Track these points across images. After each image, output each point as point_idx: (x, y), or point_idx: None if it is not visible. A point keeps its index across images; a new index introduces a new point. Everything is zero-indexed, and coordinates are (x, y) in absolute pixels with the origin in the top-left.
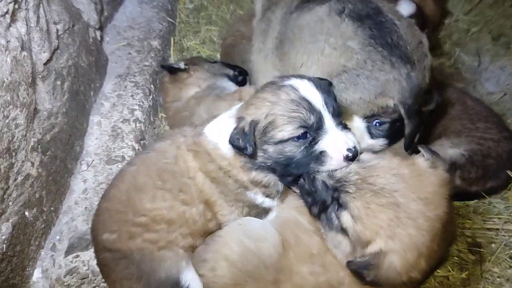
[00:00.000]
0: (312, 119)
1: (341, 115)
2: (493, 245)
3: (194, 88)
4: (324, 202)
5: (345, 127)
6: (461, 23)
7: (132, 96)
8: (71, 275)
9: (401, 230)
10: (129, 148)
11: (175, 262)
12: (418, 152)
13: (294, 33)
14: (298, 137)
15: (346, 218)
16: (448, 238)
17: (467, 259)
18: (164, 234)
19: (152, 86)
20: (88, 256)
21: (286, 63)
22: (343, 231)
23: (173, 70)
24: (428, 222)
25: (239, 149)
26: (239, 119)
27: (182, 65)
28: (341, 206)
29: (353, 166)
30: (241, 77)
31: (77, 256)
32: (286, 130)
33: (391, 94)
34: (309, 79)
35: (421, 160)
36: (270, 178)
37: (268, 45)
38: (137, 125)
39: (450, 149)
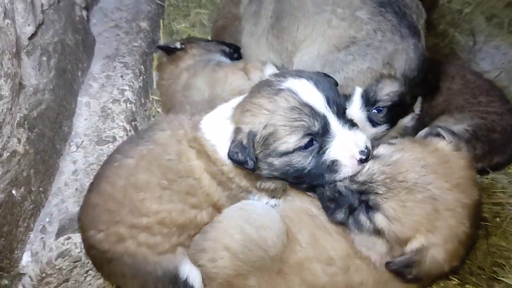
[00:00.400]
0: (316, 125)
1: (345, 111)
2: (498, 219)
3: (189, 63)
4: (350, 206)
5: (352, 124)
6: (454, 4)
7: (121, 76)
8: (63, 258)
9: (441, 223)
10: (120, 128)
11: (172, 260)
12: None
13: (294, 6)
14: (305, 146)
15: (380, 219)
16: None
17: None
18: (170, 237)
19: (142, 67)
20: (80, 238)
21: (285, 40)
22: (377, 232)
23: (170, 50)
24: (466, 209)
25: (239, 164)
26: (237, 130)
27: (178, 44)
28: (371, 208)
29: (375, 165)
30: (236, 54)
31: (69, 238)
32: (290, 141)
33: (398, 64)
34: (308, 77)
35: (443, 144)
36: (277, 183)
37: (261, 26)
38: (128, 105)
39: (454, 125)
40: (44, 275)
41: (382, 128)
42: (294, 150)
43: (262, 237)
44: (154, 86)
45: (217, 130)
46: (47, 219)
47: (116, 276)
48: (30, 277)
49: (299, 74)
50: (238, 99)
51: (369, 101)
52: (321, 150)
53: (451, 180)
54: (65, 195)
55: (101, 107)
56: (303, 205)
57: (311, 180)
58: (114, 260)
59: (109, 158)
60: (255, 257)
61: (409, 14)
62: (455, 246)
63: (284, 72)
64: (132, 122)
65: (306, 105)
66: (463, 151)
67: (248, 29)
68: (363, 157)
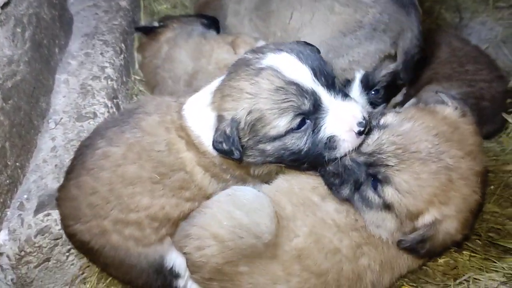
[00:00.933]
0: (307, 103)
1: (335, 81)
2: (492, 187)
3: (170, 36)
4: (357, 180)
5: (344, 94)
6: None
7: (101, 54)
8: (43, 235)
9: (455, 193)
10: (101, 105)
11: (158, 250)
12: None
13: None
14: (298, 127)
15: (391, 193)
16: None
17: None
18: (160, 230)
19: (123, 45)
20: None
21: (272, 24)
22: (387, 207)
23: (148, 30)
24: (478, 177)
25: (225, 154)
26: (219, 118)
27: (156, 23)
28: (381, 181)
29: (384, 135)
30: (214, 26)
31: (48, 215)
32: (280, 124)
33: (403, 42)
34: (289, 50)
35: (450, 110)
36: (272, 167)
37: (244, 4)
38: (109, 82)
39: None
40: (23, 253)
41: (380, 108)
42: (286, 133)
43: (254, 222)
44: (136, 67)
45: (200, 118)
46: (25, 196)
47: (99, 264)
48: (8, 256)
49: (278, 47)
50: (217, 82)
51: (368, 85)
52: (316, 128)
53: (464, 147)
54: (44, 171)
55: (81, 84)
56: (302, 192)
57: (310, 161)
58: (96, 251)
59: (89, 141)
60: (246, 244)
61: None
62: (467, 215)
63: (261, 47)
64: (114, 100)
65: (292, 83)
66: (469, 116)
67: (232, 7)
68: (361, 129)
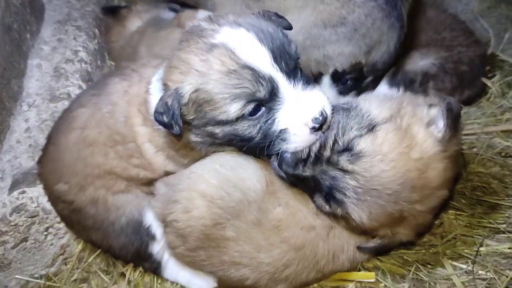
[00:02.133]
0: (262, 91)
1: (298, 67)
2: (474, 149)
3: (136, 22)
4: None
5: (306, 82)
6: None
7: (74, 38)
8: (18, 213)
9: (406, 223)
10: (75, 86)
11: (136, 205)
12: None
13: None
14: (251, 113)
15: (342, 213)
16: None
17: None
18: (122, 181)
19: (96, 30)
20: (37, 193)
21: (266, 5)
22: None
23: (114, 10)
24: (432, 213)
25: (165, 127)
26: (164, 86)
27: (123, 3)
28: (336, 201)
29: (352, 174)
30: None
31: (23, 192)
32: (231, 110)
33: (375, 54)
34: (249, 26)
35: (429, 143)
36: (227, 148)
37: None
38: (83, 65)
39: (420, 60)
40: None
41: (351, 95)
42: (237, 119)
43: (239, 177)
44: None
45: (155, 91)
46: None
47: (82, 231)
48: None
49: (237, 21)
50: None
51: (337, 78)
52: (269, 118)
53: (424, 192)
54: (18, 151)
55: (54, 68)
56: None
57: (262, 149)
58: (80, 211)
59: (69, 105)
60: (234, 201)
61: (399, 5)
62: (422, 227)
63: (219, 17)
64: (89, 82)
65: (247, 67)
66: (448, 145)
67: None
68: (316, 126)
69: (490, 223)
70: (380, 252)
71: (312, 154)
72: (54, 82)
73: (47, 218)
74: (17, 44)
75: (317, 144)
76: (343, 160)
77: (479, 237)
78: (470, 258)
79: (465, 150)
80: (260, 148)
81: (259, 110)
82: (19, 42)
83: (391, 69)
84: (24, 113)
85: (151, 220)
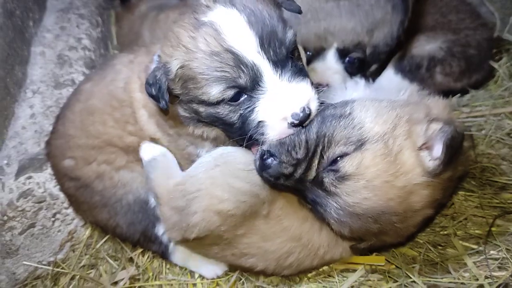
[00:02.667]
0: (243, 77)
1: (289, 56)
2: (483, 131)
3: (143, 9)
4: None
5: (297, 73)
6: None
7: (77, 26)
8: (25, 198)
9: (387, 237)
10: (79, 73)
11: (141, 182)
12: None
13: None
14: (232, 99)
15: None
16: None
17: None
18: (121, 156)
19: (99, 18)
20: (43, 178)
21: None
22: None
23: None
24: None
25: (153, 99)
26: (159, 57)
27: None
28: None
29: (336, 197)
30: None
31: (30, 178)
32: (211, 93)
33: (378, 34)
34: (242, 8)
35: (418, 172)
36: (218, 130)
37: None
38: (86, 53)
39: (427, 44)
40: (6, 218)
41: (358, 76)
42: (218, 103)
43: (253, 183)
44: (115, 42)
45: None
46: (5, 161)
47: (90, 210)
48: None
49: (232, 1)
50: None
51: (343, 54)
52: (249, 107)
53: (405, 215)
54: (23, 137)
55: (57, 55)
56: None
57: (242, 136)
58: (87, 188)
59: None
60: (248, 205)
61: None
62: (408, 235)
63: None
64: (92, 69)
65: (230, 51)
66: (436, 179)
67: None
68: (295, 121)
69: (501, 203)
70: (372, 250)
71: (297, 175)
72: (58, 69)
73: (54, 204)
74: (19, 31)
75: (303, 167)
76: (327, 182)
77: (490, 217)
78: (481, 238)
79: (474, 132)
80: (240, 136)
81: (241, 97)
82: (21, 28)
83: (396, 54)
84: (29, 100)
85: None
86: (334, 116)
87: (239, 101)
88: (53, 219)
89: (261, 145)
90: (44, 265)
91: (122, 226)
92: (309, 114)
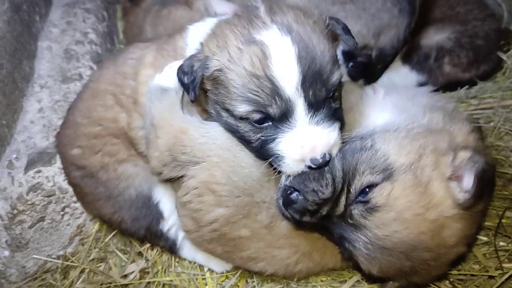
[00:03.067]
0: (274, 108)
1: (328, 98)
2: (492, 123)
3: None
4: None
5: (328, 117)
6: None
7: (83, 21)
8: (35, 191)
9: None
10: (86, 67)
11: (144, 177)
12: None
13: None
14: (256, 121)
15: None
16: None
17: None
18: (123, 148)
19: (105, 12)
20: (53, 172)
21: None
22: None
23: None
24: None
25: (182, 86)
26: (201, 45)
27: None
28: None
29: (366, 230)
30: None
31: (39, 172)
32: (238, 108)
33: (384, 37)
34: (296, 38)
35: (449, 203)
36: None
37: None
38: (93, 47)
39: (435, 35)
40: (15, 211)
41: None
42: (242, 119)
43: (248, 184)
44: (121, 36)
45: (194, 37)
46: (14, 155)
47: (94, 202)
48: (0, 216)
49: (290, 27)
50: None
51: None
52: (272, 135)
53: (438, 251)
54: (32, 131)
55: (64, 50)
56: None
57: (256, 153)
58: (92, 177)
59: None
60: (243, 202)
61: None
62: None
63: (281, 9)
64: (99, 63)
65: (270, 80)
66: (468, 212)
67: None
68: (313, 166)
69: (511, 195)
70: None
71: (323, 212)
72: (65, 64)
73: (64, 197)
74: (26, 25)
75: (329, 204)
76: (356, 214)
77: (500, 209)
78: (491, 230)
79: (483, 124)
80: (255, 152)
81: (265, 122)
82: (28, 23)
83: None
84: (37, 94)
85: (159, 196)
86: (355, 150)
87: (262, 126)
88: (62, 213)
89: (282, 179)
90: (54, 258)
91: (127, 221)
92: (328, 161)
